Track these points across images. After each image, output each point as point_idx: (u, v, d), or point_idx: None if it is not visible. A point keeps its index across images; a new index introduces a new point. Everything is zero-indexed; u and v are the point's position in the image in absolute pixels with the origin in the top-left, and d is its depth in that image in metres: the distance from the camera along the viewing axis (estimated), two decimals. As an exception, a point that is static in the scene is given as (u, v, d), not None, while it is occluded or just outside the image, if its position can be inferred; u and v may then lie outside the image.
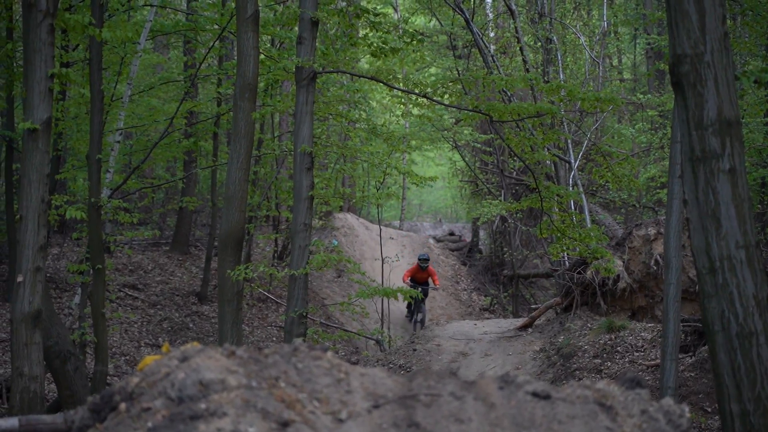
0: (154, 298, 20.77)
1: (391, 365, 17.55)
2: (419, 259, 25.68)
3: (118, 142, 16.85)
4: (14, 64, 15.48)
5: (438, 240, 36.13)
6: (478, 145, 29.34)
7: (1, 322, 16.78)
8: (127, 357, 17.20)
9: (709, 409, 11.90)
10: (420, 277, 25.75)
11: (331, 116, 22.34)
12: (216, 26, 18.31)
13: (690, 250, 7.66)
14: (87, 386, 13.06)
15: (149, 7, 18.33)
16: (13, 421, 4.25)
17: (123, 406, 3.88)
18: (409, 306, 25.69)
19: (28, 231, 10.77)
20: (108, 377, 14.03)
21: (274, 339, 20.75)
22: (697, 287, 7.64)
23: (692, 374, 13.75)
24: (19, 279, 10.84)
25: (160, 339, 18.50)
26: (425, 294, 25.19)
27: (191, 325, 20.03)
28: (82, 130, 17.78)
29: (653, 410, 4.20)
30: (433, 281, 26.07)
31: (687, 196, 7.39)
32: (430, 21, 32.49)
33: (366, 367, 4.18)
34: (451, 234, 38.19)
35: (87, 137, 14.91)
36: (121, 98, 16.83)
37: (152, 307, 20.22)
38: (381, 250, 24.69)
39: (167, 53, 26.61)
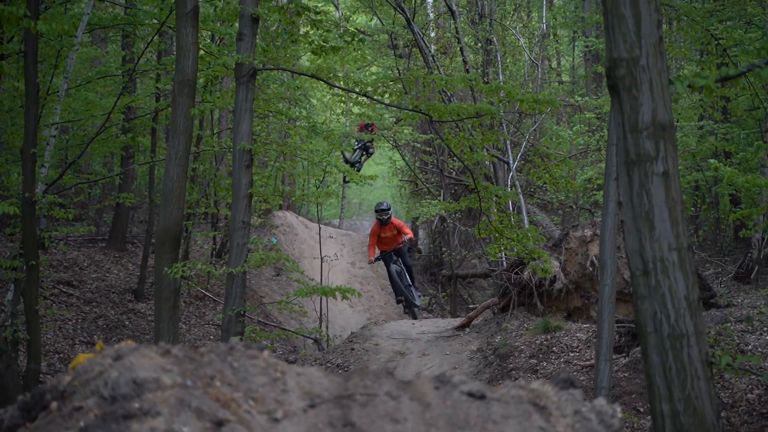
0: (90, 295, 20.59)
1: (329, 364, 17.56)
2: (377, 212, 21.58)
3: (54, 136, 16.64)
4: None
5: (377, 239, 36.27)
6: (418, 145, 29.43)
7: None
8: (61, 355, 17.04)
9: (642, 409, 12.05)
10: (387, 237, 21.51)
11: (271, 113, 22.26)
12: (155, 21, 18.18)
13: (625, 251, 7.76)
14: (19, 385, 12.94)
15: (87, 0, 18.17)
16: None
17: (54, 405, 3.85)
18: (393, 285, 22.06)
19: (-41, 226, 10.64)
20: (41, 375, 13.90)
21: (212, 337, 20.67)
22: (631, 289, 7.74)
23: (626, 374, 13.91)
24: (-51, 274, 10.71)
25: (95, 337, 18.35)
26: (402, 257, 21.69)
27: (127, 323, 19.88)
28: (16, 123, 17.55)
29: (586, 410, 4.25)
30: (405, 233, 21.57)
31: (622, 198, 7.49)
32: (371, 20, 32.50)
33: (303, 366, 4.19)
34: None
35: (22, 131, 14.75)
36: (58, 92, 16.64)
37: (87, 304, 20.05)
38: (320, 249, 24.65)
39: (105, 47, 26.40)
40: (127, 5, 20.91)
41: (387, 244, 21.27)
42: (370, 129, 25.62)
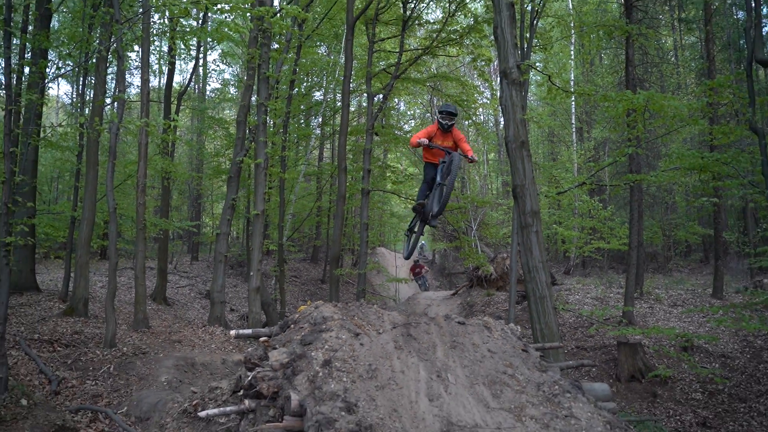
0: (304, 280, 20.71)
1: (401, 309, 17.35)
2: (440, 113, 5.84)
3: (290, 218, 16.97)
4: (250, 188, 15.68)
5: (419, 258, 35.82)
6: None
7: (243, 291, 16.77)
8: (293, 306, 17.11)
9: (527, 327, 11.70)
10: (439, 149, 5.84)
11: (375, 207, 22.38)
12: (328, 171, 18.50)
13: (520, 263, 7.63)
14: (277, 317, 13.04)
15: (303, 165, 18.60)
16: (258, 330, 4.26)
17: (292, 326, 3.91)
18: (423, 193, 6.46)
19: (254, 254, 10.90)
20: (286, 314, 14.00)
21: (352, 299, 20.58)
22: (523, 277, 7.59)
23: (521, 313, 13.50)
24: (251, 273, 10.93)
25: (306, 298, 18.43)
26: (450, 174, 5.70)
27: (318, 293, 19.91)
28: (275, 213, 17.88)
29: (506, 328, 4.17)
30: (466, 150, 5.81)
31: (519, 241, 7.40)
32: (415, 168, 32.47)
33: (390, 311, 4.20)
34: (425, 256, 37.82)
35: (277, 215, 15.04)
36: (292, 200, 17.01)
37: (303, 284, 20.14)
38: (395, 262, 24.55)
39: (310, 181, 26.83)
40: (318, 166, 21.30)
41: (436, 155, 6.08)
42: (420, 268, 19.96)
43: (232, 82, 22.10)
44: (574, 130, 20.44)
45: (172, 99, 15.06)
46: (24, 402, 5.85)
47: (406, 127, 24.41)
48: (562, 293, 14.29)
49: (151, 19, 10.60)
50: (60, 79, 24.08)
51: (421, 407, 3.25)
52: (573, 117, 20.33)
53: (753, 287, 12.99)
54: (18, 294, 10.68)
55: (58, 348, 8.02)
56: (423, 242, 22.35)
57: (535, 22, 11.57)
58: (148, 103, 9.39)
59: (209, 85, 25.71)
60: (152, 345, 8.94)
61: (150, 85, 11.75)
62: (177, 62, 19.18)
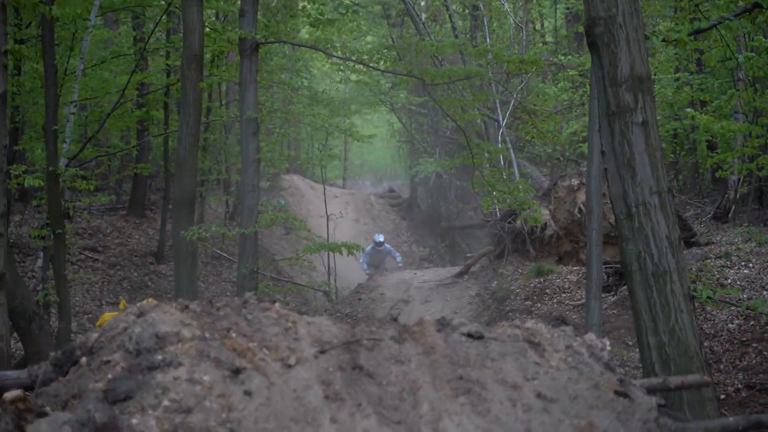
0: (114, 259, 20.59)
1: (338, 314, 17.58)
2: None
3: (73, 113, 16.57)
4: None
5: (380, 197, 36.09)
6: (414, 107, 29.24)
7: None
8: (90, 315, 17.05)
9: (630, 343, 12.05)
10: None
11: (274, 84, 22.20)
12: (163, 2, 18.06)
13: (609, 197, 7.74)
14: (52, 344, 12.96)
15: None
16: (3, 374, 4.19)
17: (84, 360, 3.84)
18: None
19: (-12, 201, 10.63)
20: (72, 335, 13.94)
21: (228, 294, 20.63)
22: (616, 232, 7.72)
23: (614, 311, 13.90)
24: (-16, 246, 10.71)
25: (120, 297, 18.33)
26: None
27: (149, 284, 19.88)
28: (38, 103, 17.46)
29: (577, 345, 4.24)
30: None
31: (604, 147, 7.46)
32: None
33: (313, 316, 4.17)
34: (391, 191, 38.12)
35: (43, 110, 14.69)
36: (75, 72, 16.55)
37: (112, 268, 20.04)
38: (326, 208, 24.62)
39: (117, 28, 26.02)
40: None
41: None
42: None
43: None
44: None
45: None
46: None
47: None
48: (709, 264, 14.67)
49: None
50: None
51: None
52: None
53: None
54: None
55: None
56: (379, 235, 23.48)
57: None
58: None
59: None
60: None
61: None
62: None
